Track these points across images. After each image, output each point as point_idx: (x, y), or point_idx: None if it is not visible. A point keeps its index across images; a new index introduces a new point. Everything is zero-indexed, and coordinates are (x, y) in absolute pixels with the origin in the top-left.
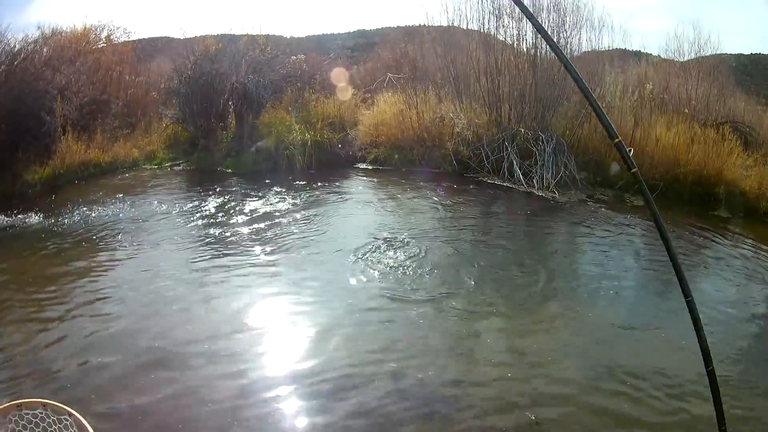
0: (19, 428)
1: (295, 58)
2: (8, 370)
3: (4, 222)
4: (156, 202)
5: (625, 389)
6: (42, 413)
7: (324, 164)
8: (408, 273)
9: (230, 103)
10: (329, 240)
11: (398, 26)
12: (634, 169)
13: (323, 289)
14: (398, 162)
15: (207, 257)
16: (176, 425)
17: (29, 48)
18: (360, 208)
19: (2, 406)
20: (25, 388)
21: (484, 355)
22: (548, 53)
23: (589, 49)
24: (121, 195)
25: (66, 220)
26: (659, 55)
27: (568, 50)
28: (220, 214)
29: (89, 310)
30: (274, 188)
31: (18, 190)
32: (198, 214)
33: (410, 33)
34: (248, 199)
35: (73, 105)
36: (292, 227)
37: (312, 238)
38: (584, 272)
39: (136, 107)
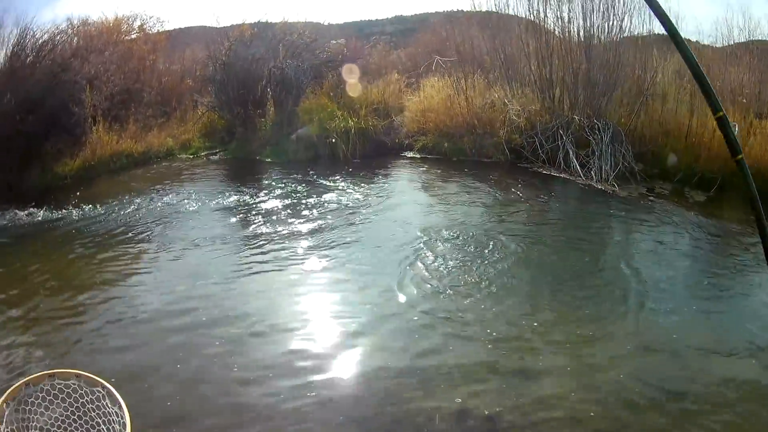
0: (50, 397)
1: (335, 42)
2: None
3: (34, 217)
4: (193, 194)
5: None
6: (75, 384)
7: (368, 153)
8: (461, 277)
9: (268, 89)
10: (378, 238)
11: (437, 11)
12: (739, 156)
13: (372, 294)
14: (448, 151)
15: (248, 255)
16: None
17: (57, 38)
18: (410, 204)
19: (35, 376)
20: None
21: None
22: (601, 36)
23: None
24: (155, 187)
25: (97, 215)
26: (698, 41)
27: (618, 31)
28: (261, 208)
29: (123, 316)
30: (317, 179)
31: (48, 183)
32: (237, 208)
33: (451, 18)
34: (290, 191)
35: (103, 95)
36: (339, 224)
37: (360, 236)
38: (664, 285)
39: (170, 95)
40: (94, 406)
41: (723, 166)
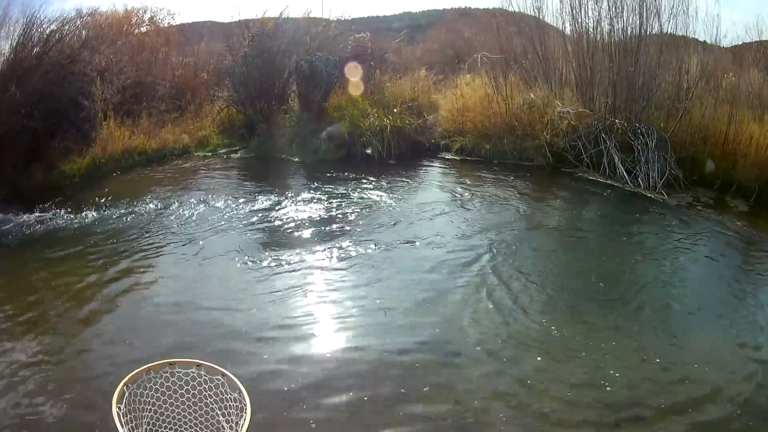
0: (169, 384)
1: (360, 35)
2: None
3: (38, 219)
4: (211, 196)
5: None
6: (194, 372)
7: (404, 154)
8: (509, 296)
9: (293, 83)
10: (420, 252)
11: (444, 8)
12: None
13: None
14: (489, 153)
15: (271, 266)
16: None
17: (65, 29)
18: (454, 211)
19: (156, 363)
20: None
21: None
22: (641, 37)
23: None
24: (171, 187)
25: (106, 218)
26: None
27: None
28: (291, 213)
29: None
30: (354, 182)
31: (54, 182)
32: (263, 213)
33: (463, 14)
34: (323, 195)
35: (115, 87)
36: (385, 238)
37: (401, 248)
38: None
39: (184, 89)
40: (212, 393)
41: (759, 174)
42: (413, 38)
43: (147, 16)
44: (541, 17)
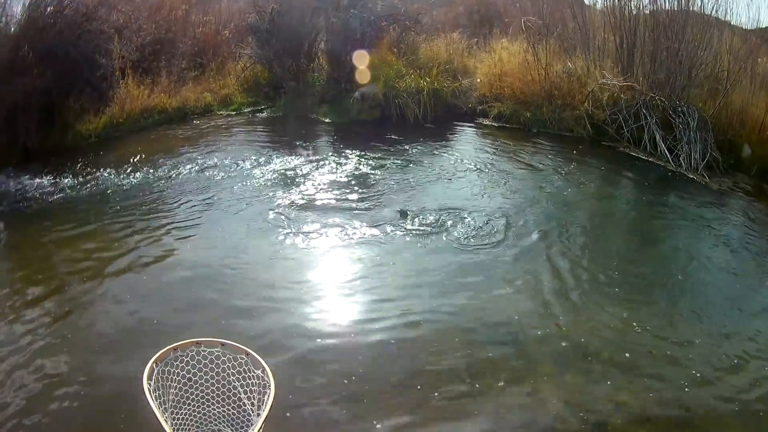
0: (194, 362)
1: None
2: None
3: (54, 184)
4: (239, 158)
5: None
6: (219, 351)
7: (440, 117)
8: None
9: (325, 41)
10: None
11: None
12: None
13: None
14: (527, 121)
15: (306, 240)
16: None
17: None
18: (498, 185)
19: (182, 342)
20: None
21: None
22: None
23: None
24: (194, 148)
25: (124, 183)
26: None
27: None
28: (329, 178)
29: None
30: (390, 147)
31: (70, 144)
32: (296, 180)
33: None
34: (361, 161)
35: (133, 45)
36: (437, 205)
37: (450, 222)
38: None
39: (206, 47)
40: (235, 371)
41: None
42: (436, 2)
43: None
44: None
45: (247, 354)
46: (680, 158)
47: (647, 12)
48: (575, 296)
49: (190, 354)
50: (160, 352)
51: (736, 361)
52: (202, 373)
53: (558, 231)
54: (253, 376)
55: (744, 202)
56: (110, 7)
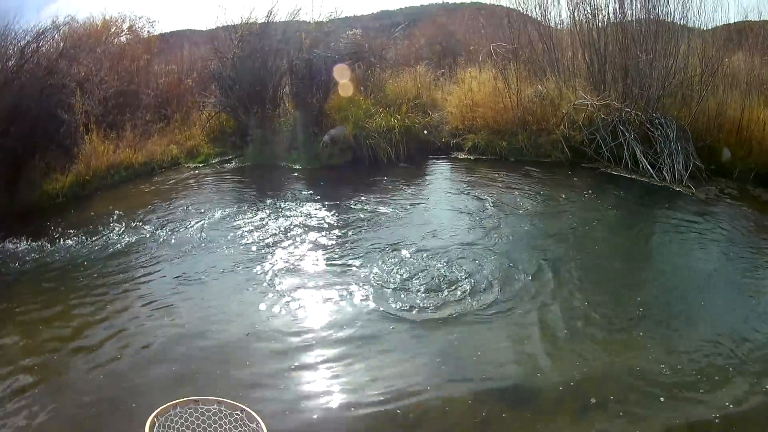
0: (192, 418)
1: (350, 32)
2: None
3: (22, 247)
4: (209, 216)
5: None
6: (215, 408)
7: (415, 155)
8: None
9: (289, 84)
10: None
11: (422, 5)
12: None
13: None
14: (503, 151)
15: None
16: None
17: (42, 38)
18: (478, 222)
19: (183, 399)
20: None
21: None
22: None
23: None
24: (162, 205)
25: (94, 250)
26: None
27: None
28: (302, 236)
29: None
30: (364, 192)
31: (37, 204)
32: (265, 234)
33: (451, 10)
34: (332, 210)
35: (96, 98)
36: (407, 254)
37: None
38: None
39: (169, 97)
40: (231, 427)
41: None
42: (391, 35)
43: (126, 26)
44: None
45: (242, 410)
46: (663, 171)
47: (615, 26)
48: (573, 338)
49: (189, 411)
50: (162, 407)
51: None
52: (200, 430)
53: (548, 266)
54: (249, 429)
55: (732, 209)
56: (71, 59)
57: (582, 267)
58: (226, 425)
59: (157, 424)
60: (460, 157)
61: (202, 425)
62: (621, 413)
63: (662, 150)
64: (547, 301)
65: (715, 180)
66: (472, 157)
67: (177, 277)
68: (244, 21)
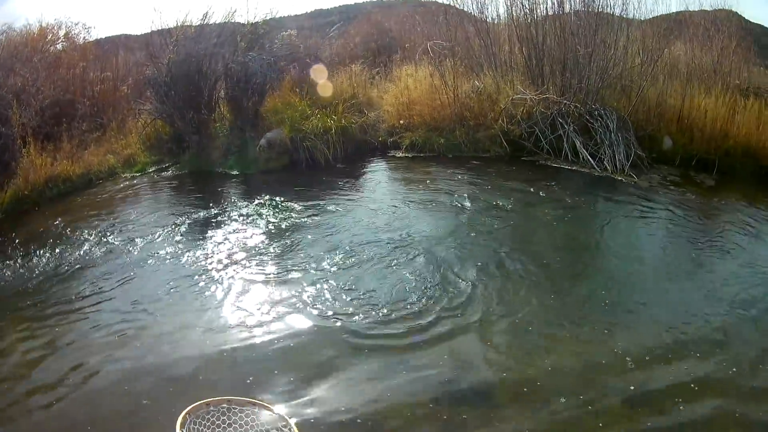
0: (225, 417)
1: (286, 33)
2: None
3: None
4: (149, 228)
5: None
6: (248, 409)
7: (352, 155)
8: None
9: (224, 88)
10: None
11: (357, 3)
12: None
13: None
14: (442, 147)
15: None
16: None
17: None
18: (415, 218)
19: (216, 399)
20: None
21: None
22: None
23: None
24: (99, 219)
25: (34, 263)
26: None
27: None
28: (232, 244)
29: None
30: (301, 195)
31: None
32: (202, 246)
33: (387, 7)
34: (268, 216)
35: (33, 109)
36: (358, 259)
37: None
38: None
39: (105, 105)
40: (263, 429)
41: (717, 147)
42: (326, 34)
43: (62, 32)
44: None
45: (254, 404)
46: (605, 162)
47: (553, 20)
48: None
49: (221, 410)
50: (194, 405)
51: None
52: (231, 429)
53: (491, 262)
54: (277, 427)
55: (676, 195)
56: (8, 70)
57: (525, 261)
58: (257, 426)
59: (188, 421)
60: (398, 155)
61: (234, 425)
62: (579, 404)
63: (602, 141)
64: (492, 297)
65: (657, 168)
66: (410, 155)
67: (128, 302)
68: (179, 24)
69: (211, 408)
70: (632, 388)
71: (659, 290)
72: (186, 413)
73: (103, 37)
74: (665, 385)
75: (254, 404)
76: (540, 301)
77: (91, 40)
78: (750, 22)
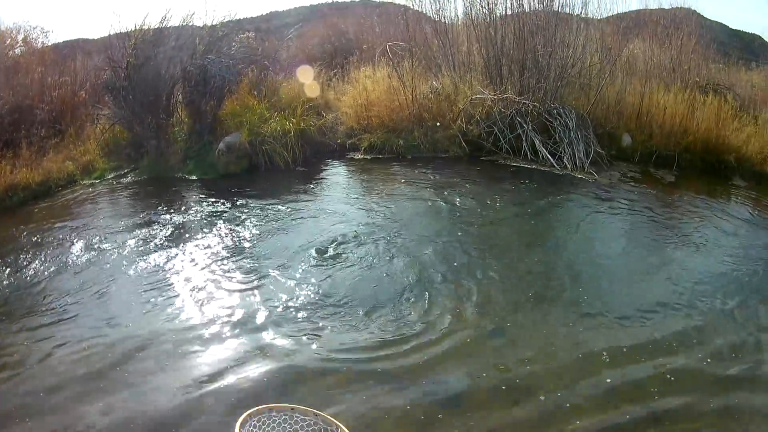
0: (285, 425)
1: (243, 35)
2: None
3: None
4: (110, 238)
5: None
6: (311, 420)
7: (312, 158)
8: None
9: (182, 92)
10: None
11: (312, 4)
12: None
13: None
14: (400, 148)
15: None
16: None
17: None
18: (374, 218)
19: (280, 405)
20: None
21: None
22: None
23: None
24: (58, 230)
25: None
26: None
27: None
28: (189, 252)
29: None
30: (262, 199)
31: None
32: (158, 255)
33: (343, 9)
34: (226, 221)
35: None
36: (309, 262)
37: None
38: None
39: (64, 111)
40: None
41: (677, 143)
42: (283, 36)
43: (20, 37)
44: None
45: (338, 427)
46: (564, 160)
47: (512, 19)
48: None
49: (284, 417)
50: (256, 408)
51: None
52: None
53: (453, 261)
54: None
55: (636, 191)
56: None
57: (487, 259)
58: None
59: (249, 422)
60: (356, 157)
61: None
62: (555, 400)
63: (562, 139)
64: (455, 295)
65: (617, 165)
66: (369, 157)
67: (92, 313)
68: (137, 27)
69: (274, 413)
70: (608, 381)
71: (623, 284)
72: (248, 414)
73: (62, 41)
74: (639, 377)
75: (317, 415)
76: (505, 298)
77: (49, 44)
78: (709, 20)
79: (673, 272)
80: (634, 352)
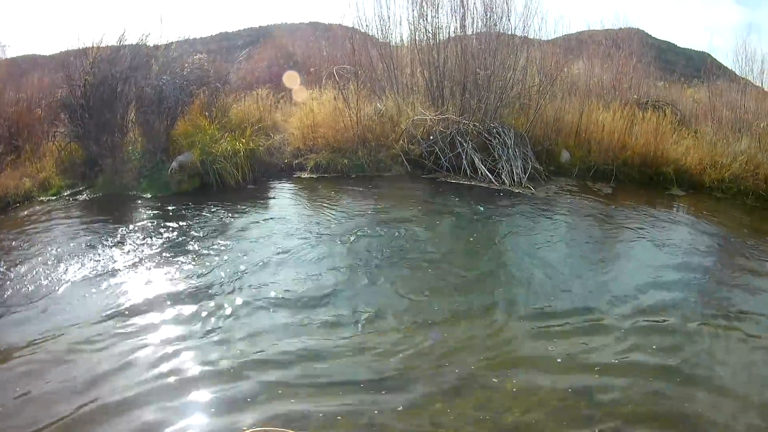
0: None
1: (196, 57)
2: None
3: None
4: (65, 257)
5: None
6: None
7: (260, 177)
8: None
9: (136, 111)
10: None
11: (261, 26)
12: None
13: None
14: (345, 168)
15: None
16: None
17: None
18: (318, 234)
19: (276, 429)
20: None
21: None
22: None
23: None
24: (17, 246)
25: None
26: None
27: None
28: (141, 273)
29: None
30: (213, 217)
31: None
32: (109, 274)
33: (293, 31)
34: (186, 235)
35: None
36: (261, 275)
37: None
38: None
39: (21, 128)
40: None
41: (615, 158)
42: (233, 57)
43: None
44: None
45: None
46: (503, 176)
47: (455, 42)
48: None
49: None
50: (256, 429)
51: None
52: None
53: (393, 271)
54: None
55: (573, 203)
56: None
57: (428, 271)
58: None
59: None
60: (303, 176)
61: None
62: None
63: (500, 156)
64: (398, 308)
65: (555, 180)
66: (315, 176)
67: (41, 329)
68: (95, 46)
69: None
70: (565, 380)
71: (564, 288)
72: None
73: (20, 55)
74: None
75: None
76: (449, 308)
77: (5, 58)
78: (655, 38)
79: (608, 278)
80: (584, 352)
